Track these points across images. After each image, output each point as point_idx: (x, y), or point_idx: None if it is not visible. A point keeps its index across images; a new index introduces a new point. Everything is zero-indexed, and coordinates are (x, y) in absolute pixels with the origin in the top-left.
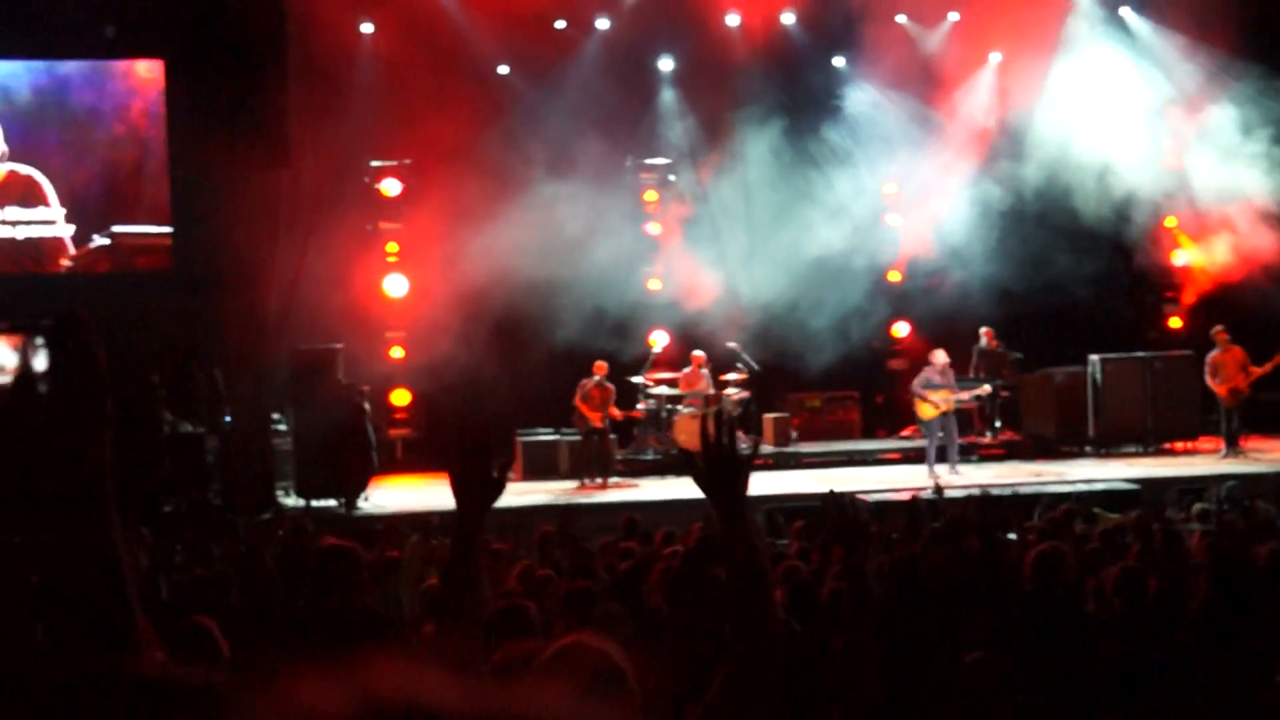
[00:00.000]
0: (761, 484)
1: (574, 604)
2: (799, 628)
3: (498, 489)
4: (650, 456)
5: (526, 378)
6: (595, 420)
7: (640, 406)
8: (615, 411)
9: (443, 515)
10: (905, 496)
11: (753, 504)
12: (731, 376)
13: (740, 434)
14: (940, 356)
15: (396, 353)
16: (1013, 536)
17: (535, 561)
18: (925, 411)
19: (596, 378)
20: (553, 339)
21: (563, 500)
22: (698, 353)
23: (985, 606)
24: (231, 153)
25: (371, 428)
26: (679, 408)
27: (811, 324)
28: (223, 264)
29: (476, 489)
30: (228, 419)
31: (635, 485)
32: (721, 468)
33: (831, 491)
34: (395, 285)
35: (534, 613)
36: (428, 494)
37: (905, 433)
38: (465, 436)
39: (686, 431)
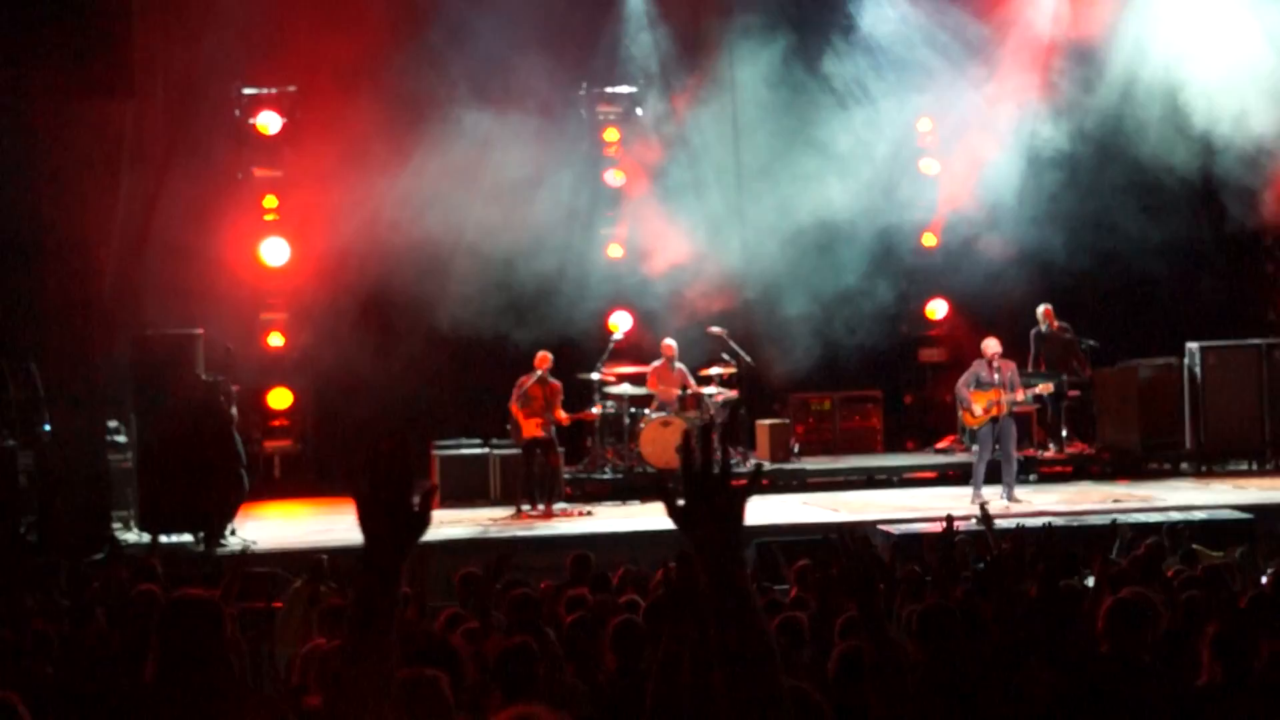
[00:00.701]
0: (752, 511)
1: (512, 669)
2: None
3: (421, 524)
4: (607, 475)
5: (445, 374)
6: (536, 428)
7: (595, 410)
8: (562, 416)
9: (335, 555)
10: (939, 527)
11: (744, 536)
12: (714, 371)
13: (735, 451)
14: (991, 345)
15: (275, 340)
16: (1088, 582)
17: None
18: (971, 417)
19: (538, 373)
20: (481, 323)
21: (494, 533)
22: (670, 341)
23: (1046, 674)
24: (55, 76)
25: (240, 440)
26: (646, 412)
27: (819, 303)
28: (41, 224)
29: (393, 524)
30: (46, 428)
31: (588, 513)
32: (708, 497)
33: (840, 528)
34: (273, 251)
35: (447, 684)
36: (315, 525)
37: (943, 444)
38: (378, 454)
39: (655, 443)
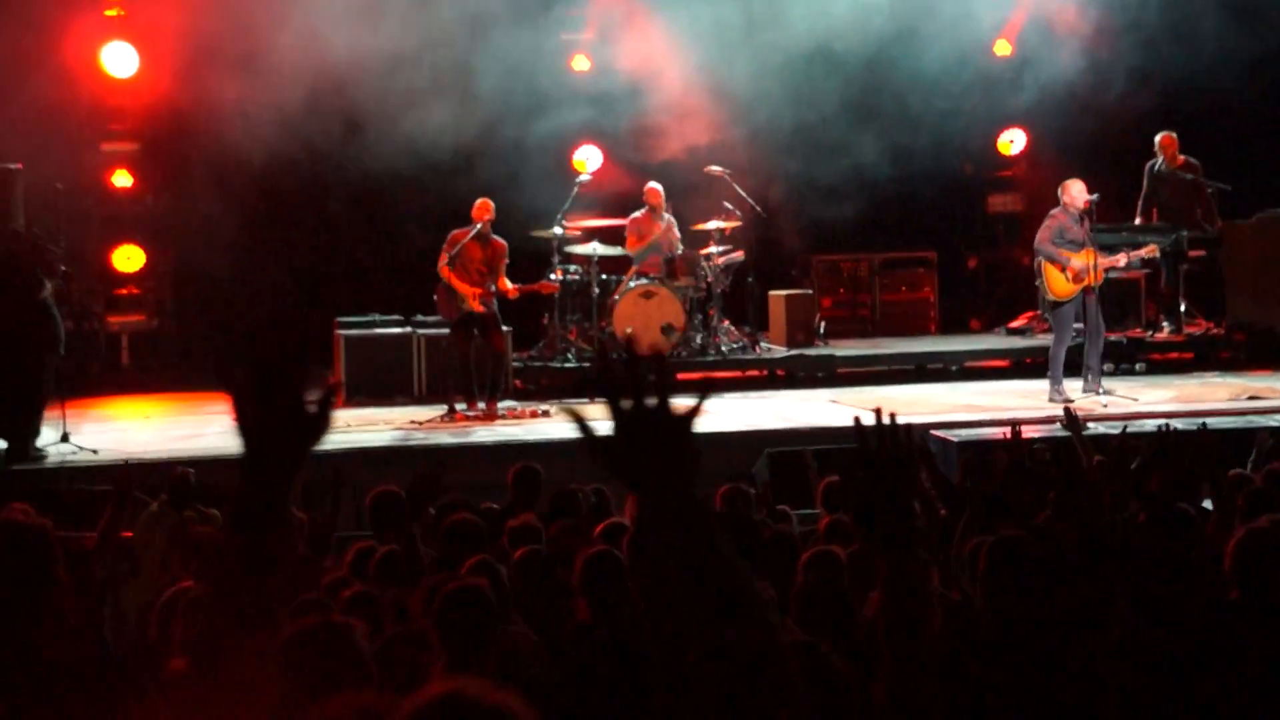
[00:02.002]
0: (765, 412)
1: (454, 619)
2: (836, 664)
3: (318, 428)
4: (570, 364)
5: (353, 229)
6: (473, 301)
7: (554, 277)
8: (508, 286)
9: (205, 468)
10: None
11: (752, 445)
12: (714, 225)
13: (741, 333)
14: (1080, 191)
15: (121, 179)
16: (1207, 505)
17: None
18: (1056, 285)
19: (476, 227)
20: (400, 160)
21: (419, 439)
22: (655, 185)
23: (1158, 626)
24: None
25: (57, 313)
26: (621, 279)
27: (853, 133)
28: None
29: (281, 429)
30: None
31: (543, 414)
32: (639, 433)
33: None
34: (117, 59)
35: (364, 637)
36: (177, 427)
37: (1018, 322)
38: (261, 335)
39: (634, 320)
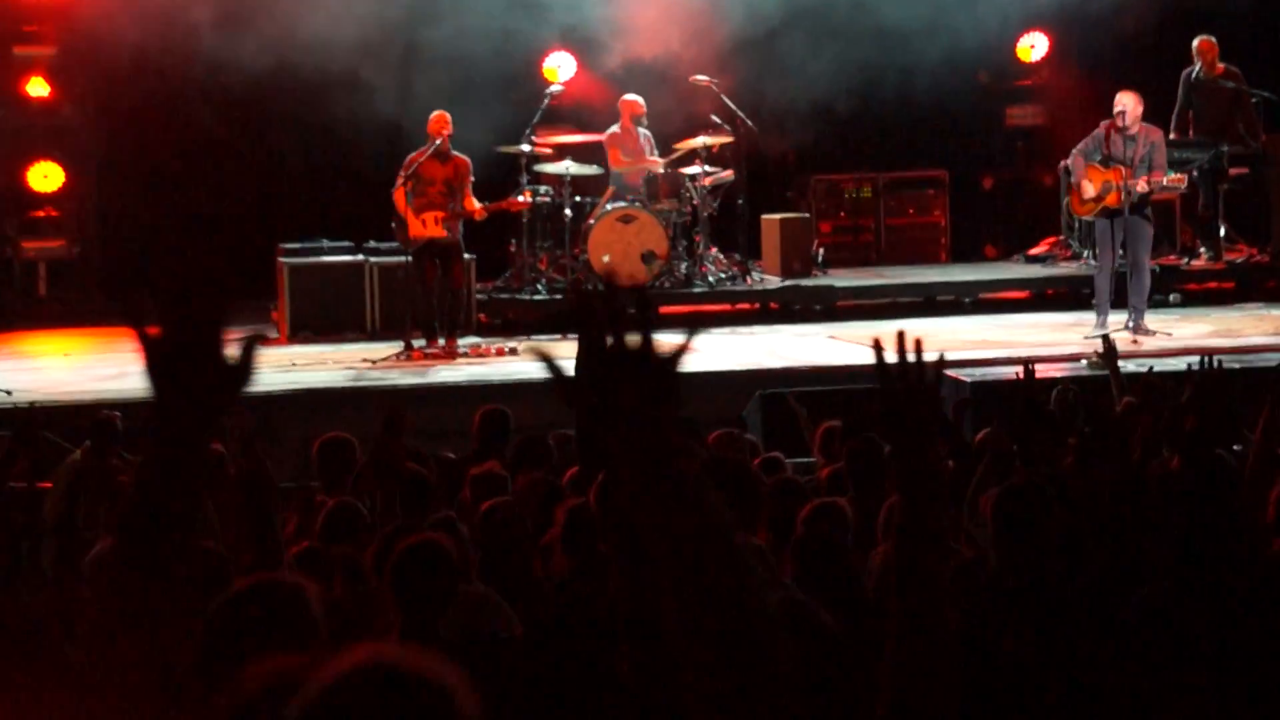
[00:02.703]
0: (756, 350)
1: (411, 578)
2: (828, 624)
3: (238, 380)
4: (540, 296)
5: (296, 147)
6: (434, 225)
7: (523, 198)
8: (474, 206)
9: (134, 411)
10: (1019, 371)
11: (743, 386)
12: (700, 141)
13: (730, 261)
14: (1127, 101)
15: (37, 88)
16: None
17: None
18: (1077, 205)
19: (435, 144)
20: (348, 66)
21: (373, 380)
22: (634, 97)
23: (1193, 585)
24: None
25: None
26: (597, 201)
27: (855, 39)
28: None
29: (198, 378)
30: None
31: (511, 351)
32: (618, 374)
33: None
34: None
35: (313, 595)
36: (101, 366)
37: (1039, 249)
38: (180, 270)
39: (611, 248)
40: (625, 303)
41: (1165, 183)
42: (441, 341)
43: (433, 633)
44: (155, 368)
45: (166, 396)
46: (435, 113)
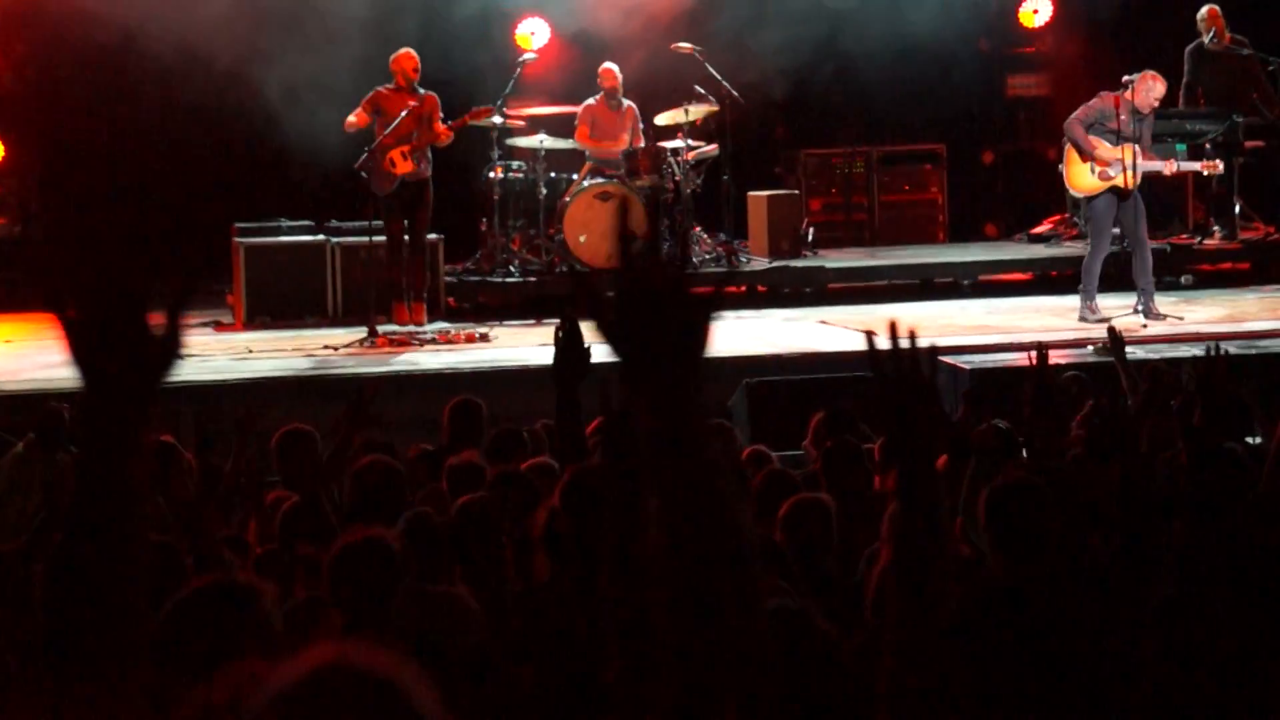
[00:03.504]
0: (742, 335)
1: (349, 579)
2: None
3: (169, 346)
4: (514, 278)
5: (254, 117)
6: (405, 161)
7: (494, 176)
8: (441, 129)
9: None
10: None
11: (727, 374)
12: (683, 115)
13: (715, 242)
14: (1157, 89)
15: None
16: (1257, 440)
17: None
18: (1076, 178)
19: (406, 80)
20: (307, 37)
21: (335, 367)
22: (611, 66)
23: (1207, 587)
24: None
25: None
26: (574, 177)
27: (846, 4)
28: None
29: (122, 351)
30: None
31: (482, 337)
32: (654, 310)
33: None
34: None
35: (270, 598)
36: (45, 355)
37: (1042, 228)
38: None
39: (588, 226)
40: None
41: (1199, 168)
42: (405, 310)
43: (374, 637)
44: (78, 351)
45: (94, 380)
46: (402, 51)
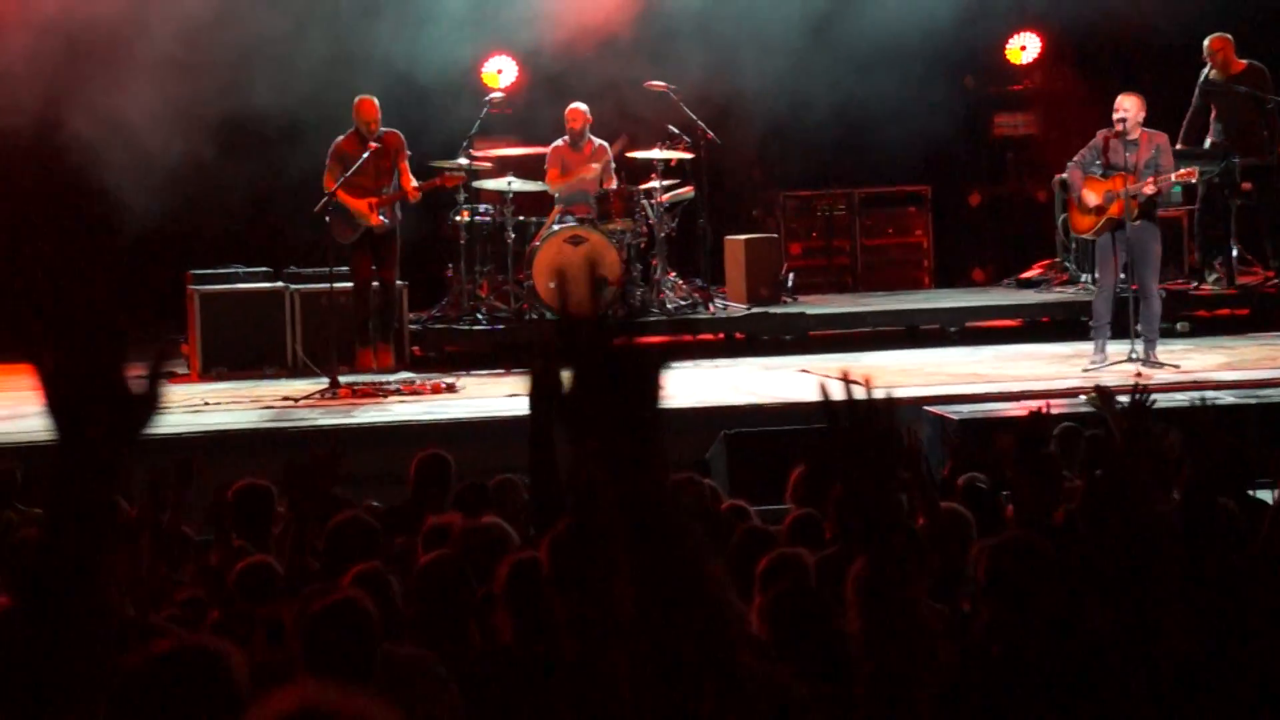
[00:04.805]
0: (720, 385)
1: (325, 642)
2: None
3: (145, 410)
4: (480, 325)
5: (211, 162)
6: (369, 212)
7: (460, 219)
8: (413, 184)
9: (35, 461)
10: (1024, 411)
11: (705, 425)
12: (657, 155)
13: (691, 287)
14: (1129, 105)
15: None
16: (1267, 496)
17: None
18: (1076, 220)
19: (366, 131)
20: (265, 77)
21: (297, 420)
22: (580, 106)
23: (1199, 649)
24: None
25: None
26: (543, 222)
27: (827, 40)
28: None
29: (100, 410)
30: None
31: (448, 387)
32: (601, 369)
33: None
34: None
35: (236, 662)
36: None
37: (1031, 273)
38: (75, 297)
39: (558, 270)
40: (609, 327)
41: (1174, 179)
42: (370, 353)
43: None
44: (55, 404)
45: (69, 434)
46: (362, 99)
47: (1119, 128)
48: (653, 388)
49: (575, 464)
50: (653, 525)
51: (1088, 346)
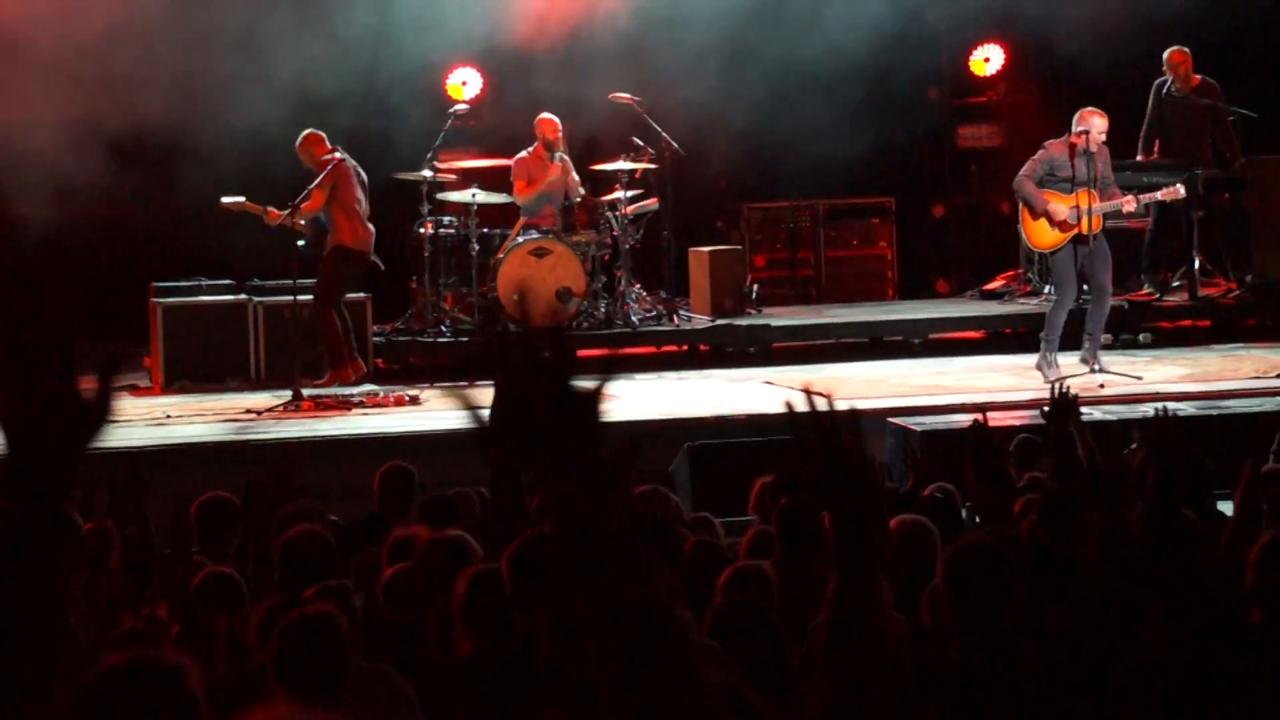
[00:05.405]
0: (684, 397)
1: (298, 655)
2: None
3: (95, 419)
4: (445, 338)
5: (171, 173)
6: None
7: (424, 232)
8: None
9: None
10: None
11: (669, 437)
12: (622, 166)
13: (656, 299)
14: (1092, 122)
15: None
16: (1225, 508)
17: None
18: (1035, 233)
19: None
20: (228, 84)
21: (259, 433)
22: (549, 116)
23: (1159, 665)
24: None
25: None
26: (508, 234)
27: (790, 50)
28: None
29: (49, 420)
30: None
31: (411, 400)
32: (531, 406)
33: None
34: None
35: (194, 675)
36: None
37: (995, 284)
38: (22, 312)
39: (523, 285)
40: (542, 344)
41: (1160, 196)
42: (341, 369)
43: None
44: (5, 416)
45: (19, 443)
46: (310, 133)
47: (1079, 141)
48: (592, 401)
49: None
50: (594, 535)
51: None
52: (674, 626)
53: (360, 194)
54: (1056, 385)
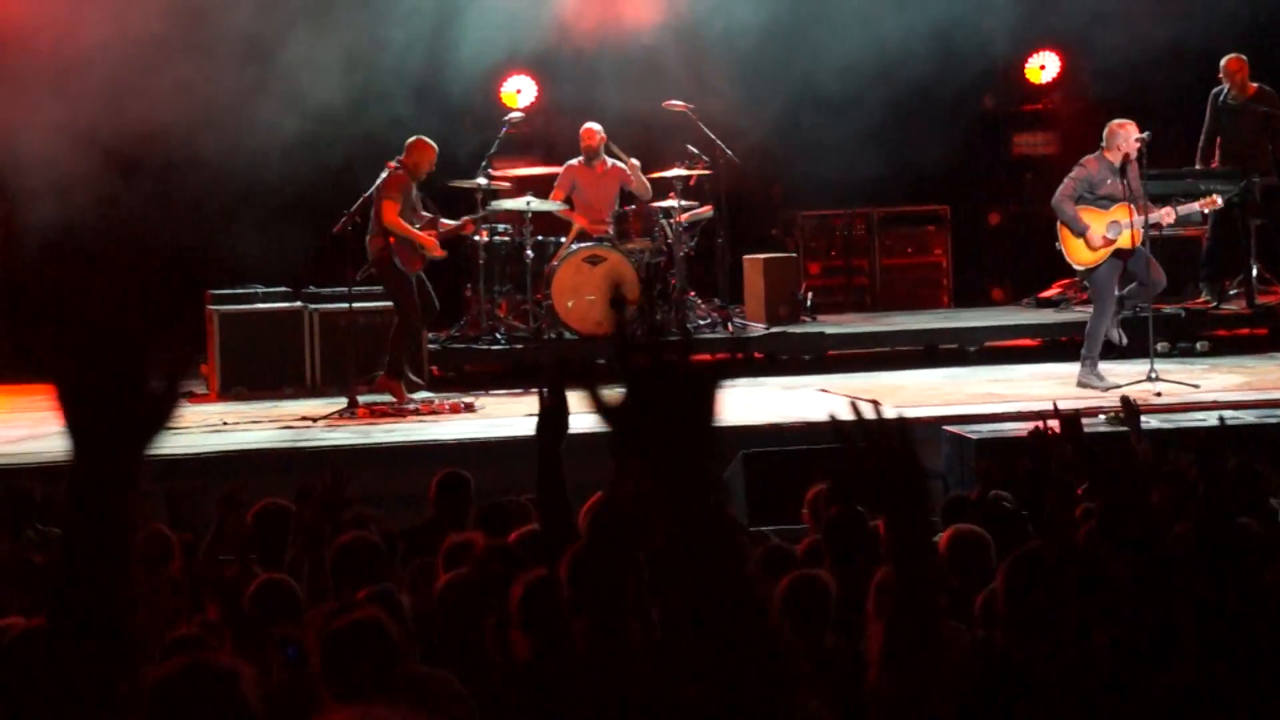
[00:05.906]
0: (738, 404)
1: (344, 661)
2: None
3: (162, 410)
4: (499, 345)
5: (232, 185)
6: (433, 247)
7: (479, 239)
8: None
9: (53, 480)
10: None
11: (724, 445)
12: (676, 173)
13: (709, 308)
14: (1128, 137)
15: None
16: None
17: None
18: (1074, 251)
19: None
20: (285, 95)
21: (314, 439)
22: (594, 126)
23: (1217, 669)
24: None
25: None
26: (561, 241)
27: (846, 59)
28: None
29: (118, 415)
30: None
31: (467, 407)
32: (656, 384)
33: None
34: None
35: (249, 680)
36: (9, 429)
37: (1051, 292)
38: (94, 305)
39: (577, 292)
40: (663, 348)
41: (1199, 207)
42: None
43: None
44: (73, 418)
45: (88, 444)
46: (417, 140)
47: (1132, 154)
48: (708, 406)
49: (609, 487)
50: (708, 545)
51: (1106, 366)
52: (773, 625)
53: None
54: (1114, 392)
